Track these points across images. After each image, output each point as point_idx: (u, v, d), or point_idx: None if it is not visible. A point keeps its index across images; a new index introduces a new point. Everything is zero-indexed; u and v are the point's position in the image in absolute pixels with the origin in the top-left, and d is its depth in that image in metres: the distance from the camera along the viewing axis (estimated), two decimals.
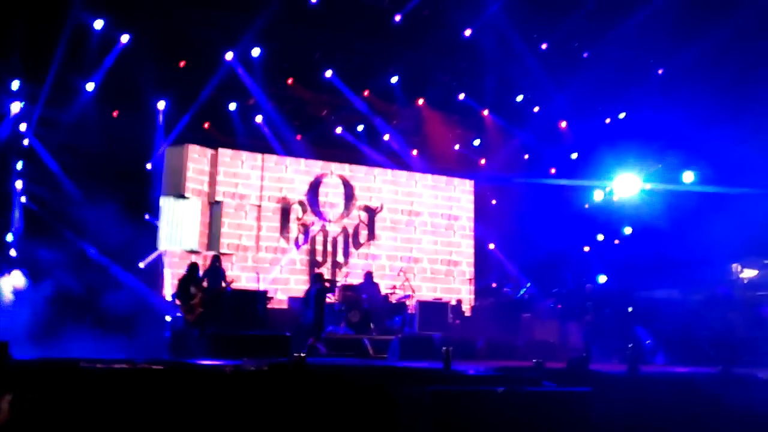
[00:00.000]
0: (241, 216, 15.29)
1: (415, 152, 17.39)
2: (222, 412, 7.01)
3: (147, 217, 14.55)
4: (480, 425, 6.92)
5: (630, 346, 10.29)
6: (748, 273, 15.90)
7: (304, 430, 7.08)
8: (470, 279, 16.88)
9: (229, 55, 14.35)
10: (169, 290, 13.33)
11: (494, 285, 16.31)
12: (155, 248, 14.04)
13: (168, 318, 11.81)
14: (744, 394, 8.84)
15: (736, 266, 16.01)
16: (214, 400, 7.08)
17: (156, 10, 13.13)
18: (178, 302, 11.29)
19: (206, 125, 15.21)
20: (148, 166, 14.59)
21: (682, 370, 10.35)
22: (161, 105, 14.46)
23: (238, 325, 11.39)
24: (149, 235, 13.99)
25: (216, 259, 12.66)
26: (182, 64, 14.13)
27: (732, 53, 14.68)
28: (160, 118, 14.46)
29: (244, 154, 15.40)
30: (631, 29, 15.50)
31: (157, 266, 14.04)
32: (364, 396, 7.57)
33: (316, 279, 12.62)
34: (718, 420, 8.31)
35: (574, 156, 18.16)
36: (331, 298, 13.15)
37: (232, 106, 15.25)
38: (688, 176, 16.39)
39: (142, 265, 14.00)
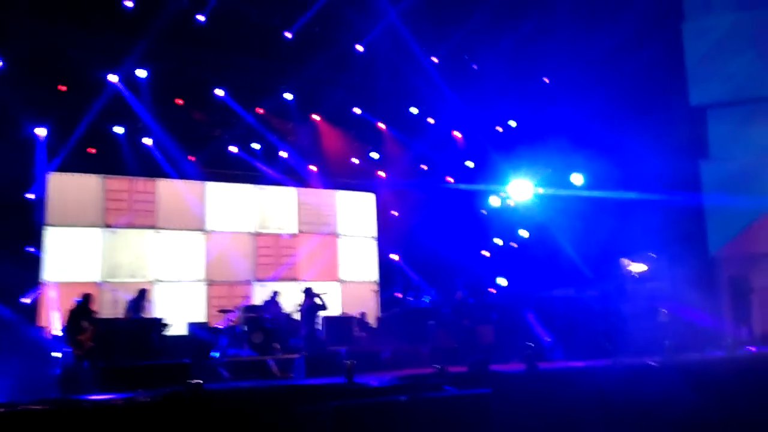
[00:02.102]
0: (141, 244, 14.79)
1: (314, 168, 17.32)
2: None
3: (32, 249, 13.77)
4: None
5: (529, 344, 10.57)
6: (636, 267, 16.73)
7: None
8: (375, 290, 16.94)
9: (113, 78, 13.86)
10: (57, 324, 12.63)
11: (398, 295, 16.42)
12: (38, 281, 13.30)
13: (57, 354, 11.16)
14: (635, 381, 9.28)
15: (624, 261, 16.82)
16: None
17: (29, 31, 12.53)
18: (66, 337, 10.70)
19: (92, 151, 14.55)
20: (30, 195, 13.81)
21: (578, 365, 10.73)
22: (41, 131, 13.73)
23: (132, 356, 10.91)
24: (31, 268, 13.23)
25: (143, 292, 12.47)
26: (63, 88, 13.50)
27: (617, 61, 15.50)
28: (41, 144, 13.73)
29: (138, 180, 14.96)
30: (517, 41, 16.15)
31: (41, 300, 13.30)
32: (265, 418, 7.42)
33: (307, 294, 12.70)
34: (613, 408, 8.67)
35: (470, 165, 18.62)
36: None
37: (119, 130, 14.67)
38: (577, 179, 17.12)
39: (27, 300, 13.21)
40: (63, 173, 14.11)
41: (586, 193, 16.38)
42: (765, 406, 8.98)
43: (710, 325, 13.49)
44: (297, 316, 13.70)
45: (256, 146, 16.43)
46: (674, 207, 15.26)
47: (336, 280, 16.92)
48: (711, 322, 13.64)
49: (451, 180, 18.65)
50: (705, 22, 15.71)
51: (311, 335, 12.58)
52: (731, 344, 12.43)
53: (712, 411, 8.82)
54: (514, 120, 18.26)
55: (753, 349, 11.87)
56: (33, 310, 13.03)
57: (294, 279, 16.31)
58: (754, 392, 9.22)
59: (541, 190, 17.45)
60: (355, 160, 18.12)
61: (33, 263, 13.39)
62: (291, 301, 14.60)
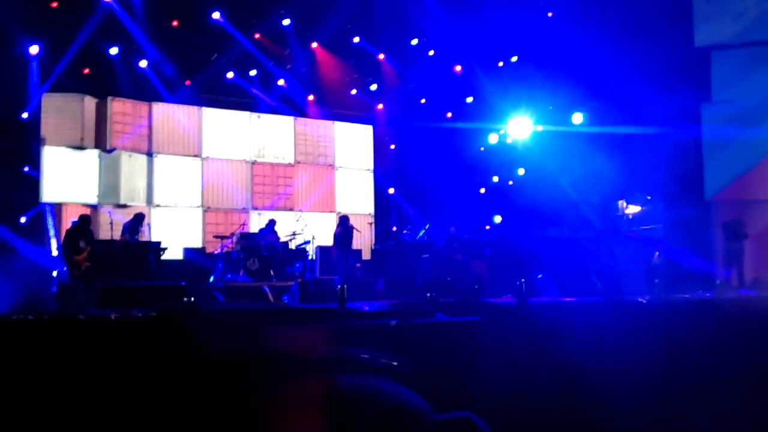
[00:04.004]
0: (136, 168, 14.72)
1: (311, 98, 17.10)
2: (108, 360, 6.79)
3: (30, 169, 13.74)
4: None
5: (521, 280, 10.65)
6: (632, 209, 16.76)
7: (194, 371, 6.98)
8: (370, 223, 17.00)
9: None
10: (55, 244, 12.71)
11: (394, 228, 16.49)
12: (37, 201, 13.30)
13: (54, 273, 11.27)
14: (624, 316, 9.41)
15: (621, 203, 16.84)
16: (99, 349, 6.84)
17: None
18: (63, 256, 10.77)
19: (86, 71, 14.30)
20: (24, 115, 13.66)
21: (568, 300, 10.87)
22: (34, 50, 13.44)
23: (129, 277, 11.00)
24: (30, 188, 13.20)
25: (139, 216, 12.48)
26: (54, 4, 13.17)
27: None
28: (34, 64, 13.48)
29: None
30: None
31: (41, 220, 13.33)
32: (254, 336, 7.51)
33: (341, 222, 13.33)
34: (600, 340, 8.80)
35: (469, 100, 18.40)
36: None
37: (114, 51, 14.38)
38: (577, 117, 16.96)
39: (24, 220, 13.25)
40: (56, 93, 13.90)
41: (585, 129, 16.25)
42: (747, 344, 9.13)
43: (702, 268, 13.61)
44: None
45: (252, 73, 16.16)
46: (672, 150, 15.18)
47: (333, 212, 16.93)
48: (703, 265, 13.76)
49: (450, 115, 18.47)
50: None
51: (344, 261, 13.00)
52: (722, 287, 12.56)
53: (699, 348, 8.95)
54: (515, 55, 17.93)
55: (743, 292, 12.01)
56: (31, 230, 13.07)
57: (291, 209, 16.32)
58: (740, 332, 9.37)
59: (540, 128, 17.31)
60: (353, 91, 17.88)
61: (31, 184, 13.36)
62: (287, 229, 14.68)
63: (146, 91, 14.86)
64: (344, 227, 13.23)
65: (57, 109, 14.01)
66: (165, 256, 12.63)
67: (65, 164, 14.08)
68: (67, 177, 14.04)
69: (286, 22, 15.72)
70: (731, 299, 11.24)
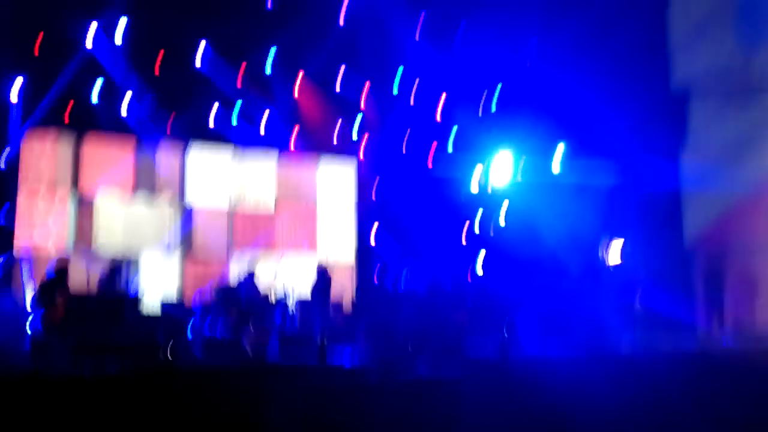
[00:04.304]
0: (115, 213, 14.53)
1: (293, 137, 17.05)
2: (81, 419, 6.58)
3: (4, 215, 13.48)
4: (352, 417, 6.90)
5: (504, 335, 10.59)
6: (613, 255, 16.73)
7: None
8: (351, 275, 16.81)
9: (89, 37, 13.52)
10: (29, 296, 12.36)
11: (375, 280, 16.32)
12: (10, 248, 13.01)
13: (27, 328, 10.91)
14: (608, 371, 9.31)
15: (601, 249, 16.79)
16: (71, 408, 6.63)
17: None
18: (36, 309, 10.46)
19: (66, 112, 14.17)
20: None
21: (550, 355, 10.77)
22: (14, 90, 13.32)
23: (105, 332, 10.68)
24: (2, 236, 12.94)
25: (118, 264, 12.16)
26: (37, 45, 13.15)
27: (606, 28, 15.38)
28: (12, 102, 13.35)
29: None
30: (502, 6, 15.96)
31: (14, 269, 13.01)
32: (235, 395, 7.34)
33: (319, 273, 12.85)
34: (585, 397, 8.68)
35: (452, 138, 18.35)
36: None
37: (94, 90, 14.29)
38: (556, 165, 17.05)
39: None
40: (35, 135, 13.73)
41: (563, 181, 16.38)
42: (735, 400, 9.06)
43: (683, 317, 13.59)
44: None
45: (234, 112, 16.12)
46: (650, 196, 15.33)
47: (314, 256, 16.72)
48: (684, 313, 13.75)
49: (432, 163, 18.45)
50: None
51: (323, 315, 12.47)
52: (704, 337, 12.56)
53: (687, 404, 8.86)
54: (495, 101, 18.06)
55: (725, 342, 12.00)
56: (5, 279, 12.70)
57: (271, 254, 16.11)
58: (729, 387, 9.29)
59: (519, 178, 17.43)
60: (335, 136, 17.83)
61: (4, 230, 13.10)
62: (267, 278, 14.44)
63: (127, 131, 14.74)
64: (322, 278, 12.95)
65: (34, 152, 13.78)
66: (142, 310, 12.36)
67: (40, 209, 13.81)
68: (43, 222, 13.77)
69: (269, 59, 15.80)
70: (718, 354, 11.21)
